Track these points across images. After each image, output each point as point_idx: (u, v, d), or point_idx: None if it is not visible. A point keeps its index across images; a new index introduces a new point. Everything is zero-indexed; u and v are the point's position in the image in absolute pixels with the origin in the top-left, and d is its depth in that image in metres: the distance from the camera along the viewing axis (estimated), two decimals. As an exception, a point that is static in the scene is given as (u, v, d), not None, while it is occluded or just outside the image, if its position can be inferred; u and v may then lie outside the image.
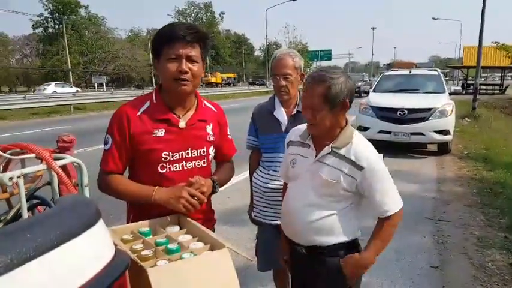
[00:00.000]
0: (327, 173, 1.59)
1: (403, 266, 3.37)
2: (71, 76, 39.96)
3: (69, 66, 40.47)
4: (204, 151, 1.68)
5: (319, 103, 1.51)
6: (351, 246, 1.68)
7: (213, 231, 1.82)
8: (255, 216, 2.39)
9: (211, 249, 1.38)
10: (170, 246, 1.37)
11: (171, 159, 1.59)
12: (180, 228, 1.59)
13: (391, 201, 1.61)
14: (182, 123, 1.61)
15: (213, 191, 1.67)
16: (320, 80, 1.52)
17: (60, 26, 46.96)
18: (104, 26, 57.58)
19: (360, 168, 1.55)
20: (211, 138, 1.71)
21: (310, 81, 1.55)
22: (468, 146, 8.98)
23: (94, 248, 0.77)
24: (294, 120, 2.18)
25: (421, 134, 7.85)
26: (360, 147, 1.59)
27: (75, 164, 1.22)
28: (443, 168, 7.10)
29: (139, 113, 1.57)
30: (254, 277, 2.97)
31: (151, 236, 1.50)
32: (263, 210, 2.31)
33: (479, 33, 14.65)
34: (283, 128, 2.19)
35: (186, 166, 1.63)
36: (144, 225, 1.55)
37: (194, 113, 1.66)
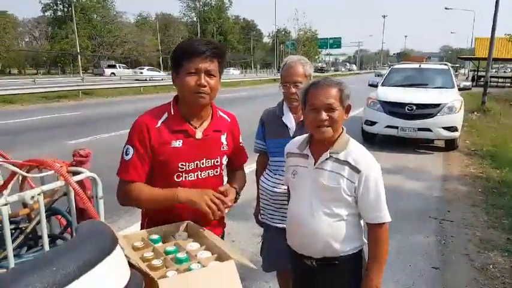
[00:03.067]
0: (327, 178, 1.64)
1: (404, 267, 3.42)
2: (79, 60, 39.96)
3: (78, 50, 40.44)
4: (217, 161, 1.73)
5: (337, 103, 1.60)
6: (359, 254, 1.73)
7: (223, 234, 1.90)
8: (261, 218, 2.44)
9: (218, 259, 1.43)
10: (179, 255, 1.43)
11: (187, 169, 1.65)
12: (189, 235, 1.64)
13: (385, 209, 1.65)
14: (199, 134, 1.66)
15: (235, 200, 1.75)
16: (333, 82, 1.64)
17: (70, 9, 46.81)
18: (113, 9, 57.43)
19: (358, 171, 1.61)
20: (225, 148, 1.77)
21: (323, 83, 1.63)
22: (476, 142, 8.95)
23: (112, 274, 0.83)
24: (302, 125, 2.21)
25: (429, 130, 7.84)
26: (357, 151, 1.66)
27: (90, 178, 1.28)
28: (450, 165, 7.11)
29: (158, 125, 1.61)
30: (259, 274, 3.04)
31: (160, 244, 1.56)
32: (270, 214, 2.35)
33: (492, 25, 14.43)
34: (291, 134, 2.22)
35: (200, 175, 1.69)
36: (154, 232, 1.60)
37: (209, 123, 1.71)
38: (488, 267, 3.49)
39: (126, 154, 1.60)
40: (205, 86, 1.58)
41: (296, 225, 1.75)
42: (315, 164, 1.68)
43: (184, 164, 1.64)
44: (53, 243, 1.29)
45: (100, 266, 0.79)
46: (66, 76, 39.42)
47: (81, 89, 19.92)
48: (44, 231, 1.14)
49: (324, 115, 1.60)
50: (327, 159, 1.65)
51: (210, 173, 1.72)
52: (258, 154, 2.48)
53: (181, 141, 1.63)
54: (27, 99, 17.20)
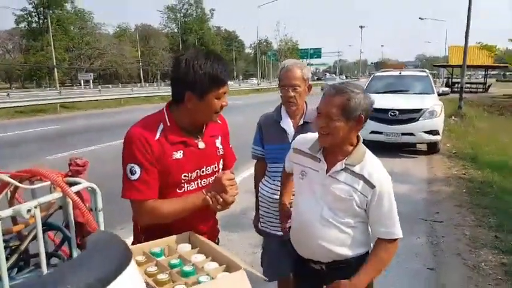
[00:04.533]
0: (340, 189, 1.60)
1: (399, 269, 3.43)
2: (56, 72, 39.12)
3: (55, 63, 39.62)
4: (216, 166, 1.71)
5: (336, 113, 1.52)
6: (367, 255, 1.71)
7: (218, 241, 1.84)
8: (261, 227, 2.39)
9: (227, 269, 1.36)
10: (185, 268, 1.34)
11: (189, 179, 1.62)
12: (192, 247, 1.55)
13: (397, 224, 1.62)
14: (202, 145, 1.64)
15: None
16: (341, 90, 1.54)
17: (45, 20, 46.00)
18: (91, 21, 56.71)
19: (372, 186, 1.57)
20: (221, 152, 1.75)
21: (331, 90, 1.57)
22: (456, 145, 9.17)
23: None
24: (300, 130, 2.19)
25: (412, 134, 8.00)
26: (374, 165, 1.62)
27: (89, 188, 1.21)
28: (433, 168, 7.25)
29: (157, 137, 1.54)
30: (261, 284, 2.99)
31: (163, 257, 1.47)
32: (270, 221, 2.31)
33: (465, 34, 14.89)
34: (290, 139, 2.20)
35: (200, 184, 1.66)
36: (154, 245, 1.51)
37: (206, 130, 1.68)
38: (481, 265, 3.54)
39: (132, 173, 1.51)
40: (225, 106, 1.61)
41: (303, 230, 1.72)
42: (327, 171, 1.64)
43: (187, 174, 1.60)
44: (47, 262, 1.20)
45: (116, 282, 0.72)
46: (42, 90, 38.44)
47: (59, 102, 19.47)
48: (42, 249, 1.05)
49: (322, 122, 1.57)
50: (342, 169, 1.61)
51: (210, 180, 1.68)
52: (255, 161, 2.44)
53: (182, 151, 1.58)
54: (1, 114, 16.61)
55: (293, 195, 1.95)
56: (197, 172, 1.64)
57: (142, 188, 1.52)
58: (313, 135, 1.75)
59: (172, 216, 1.57)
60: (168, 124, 1.57)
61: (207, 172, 1.67)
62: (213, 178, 1.67)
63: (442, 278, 3.37)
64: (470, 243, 3.99)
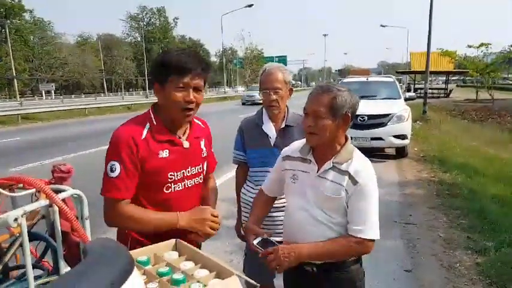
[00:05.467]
0: (328, 188, 1.58)
1: (377, 272, 3.44)
2: (16, 83, 37.54)
3: (14, 73, 38.04)
4: (200, 167, 1.74)
5: (324, 111, 1.53)
6: (358, 259, 1.70)
7: (200, 247, 1.79)
8: (244, 232, 2.34)
9: (218, 276, 1.33)
10: (175, 276, 1.31)
11: (175, 179, 1.61)
12: (179, 254, 1.53)
13: (370, 225, 1.56)
14: (186, 144, 1.64)
15: None
16: (328, 89, 1.55)
17: (3, 30, 44.21)
18: (51, 31, 55.11)
19: (355, 182, 1.55)
20: (205, 154, 1.77)
21: (318, 89, 1.58)
22: (423, 149, 9.44)
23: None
24: (282, 134, 2.17)
25: (381, 139, 8.17)
26: (361, 164, 1.60)
27: (74, 195, 1.14)
28: (404, 171, 7.41)
29: (143, 136, 1.54)
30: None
31: (150, 266, 1.43)
32: None
33: (427, 41, 15.51)
34: (272, 143, 2.17)
35: (187, 184, 1.67)
36: (140, 253, 1.45)
37: (190, 131, 1.69)
38: (456, 266, 3.61)
39: (112, 171, 1.49)
40: (193, 102, 1.55)
41: (295, 232, 1.68)
42: (317, 172, 1.62)
43: (173, 174, 1.60)
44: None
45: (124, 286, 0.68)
46: (2, 101, 36.84)
47: (20, 114, 18.68)
48: (28, 259, 0.97)
49: (310, 121, 1.56)
50: (329, 168, 1.60)
51: (195, 180, 1.71)
52: (236, 166, 2.39)
53: (167, 150, 1.58)
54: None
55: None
56: (183, 172, 1.64)
57: (120, 186, 1.50)
58: (299, 143, 1.74)
59: (144, 227, 1.56)
60: (155, 123, 1.58)
61: (192, 172, 1.68)
62: (198, 179, 1.71)
63: (419, 279, 3.39)
64: (445, 245, 4.07)
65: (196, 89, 1.56)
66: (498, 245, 3.88)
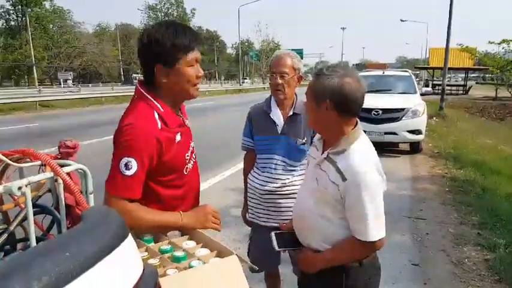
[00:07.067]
0: (320, 179, 1.53)
1: (385, 265, 3.42)
2: (35, 71, 38.21)
3: (33, 61, 38.70)
4: (193, 143, 1.74)
5: (308, 94, 1.54)
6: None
7: None
8: (249, 217, 2.37)
9: (218, 255, 1.36)
10: (176, 253, 1.35)
11: (188, 158, 1.62)
12: (182, 234, 1.57)
13: (369, 226, 1.45)
14: (187, 121, 1.66)
15: None
16: (316, 73, 1.54)
17: (23, 18, 44.95)
18: (70, 19, 55.72)
19: (344, 179, 1.43)
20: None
21: (314, 71, 1.59)
22: (438, 145, 9.30)
23: (128, 262, 0.75)
24: (290, 122, 2.17)
25: (394, 133, 8.06)
26: (353, 157, 1.46)
27: (79, 170, 1.17)
28: (417, 167, 7.32)
29: (159, 127, 1.47)
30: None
31: (153, 243, 1.46)
32: (258, 212, 2.30)
33: (447, 37, 15.17)
34: (279, 130, 2.18)
35: (193, 159, 1.68)
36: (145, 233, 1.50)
37: (182, 108, 1.69)
38: (464, 261, 3.57)
39: (128, 168, 1.38)
40: (202, 76, 1.56)
41: (298, 220, 1.68)
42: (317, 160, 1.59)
43: (188, 154, 1.62)
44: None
45: (115, 252, 0.71)
46: (21, 88, 37.53)
47: (38, 101, 19.06)
48: (32, 228, 1.01)
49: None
50: (324, 158, 1.52)
51: (195, 154, 1.71)
52: (245, 152, 2.41)
53: (179, 133, 1.56)
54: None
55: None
56: (190, 150, 1.65)
57: (134, 186, 1.41)
58: None
59: (150, 229, 1.50)
60: (162, 110, 1.50)
61: (192, 146, 1.69)
62: (195, 154, 1.71)
63: (427, 273, 3.37)
64: (454, 240, 4.03)
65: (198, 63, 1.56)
66: (509, 242, 3.82)
